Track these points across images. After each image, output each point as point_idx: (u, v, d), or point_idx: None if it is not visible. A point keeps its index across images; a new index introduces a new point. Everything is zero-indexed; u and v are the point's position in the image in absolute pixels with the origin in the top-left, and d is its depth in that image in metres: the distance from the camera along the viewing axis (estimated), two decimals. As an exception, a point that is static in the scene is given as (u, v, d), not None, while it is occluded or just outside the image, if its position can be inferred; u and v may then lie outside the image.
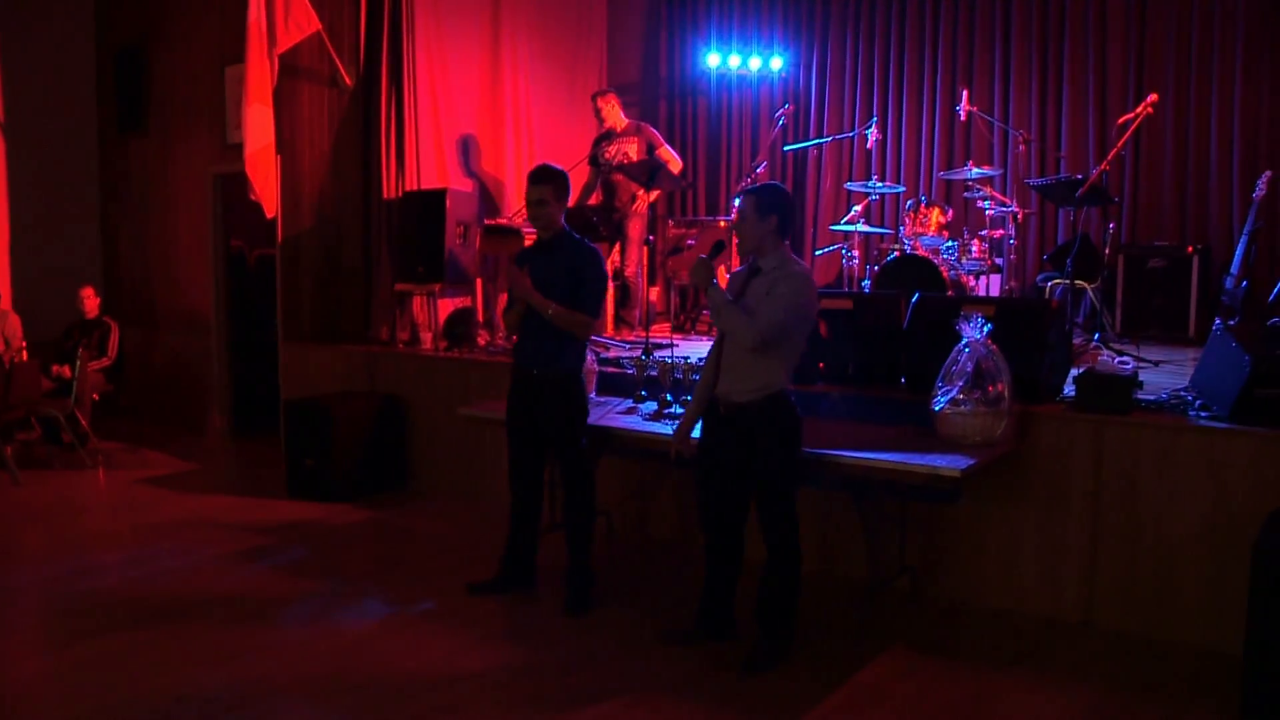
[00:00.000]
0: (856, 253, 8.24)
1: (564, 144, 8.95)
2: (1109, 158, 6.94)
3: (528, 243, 6.58)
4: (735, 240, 4.58)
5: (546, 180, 5.00)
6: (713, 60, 9.93)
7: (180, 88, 9.68)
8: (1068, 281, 6.65)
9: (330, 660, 4.49)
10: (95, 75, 10.66)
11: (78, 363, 8.25)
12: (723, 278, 5.12)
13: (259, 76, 7.76)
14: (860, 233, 8.10)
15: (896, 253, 7.63)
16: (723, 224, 8.43)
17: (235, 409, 9.44)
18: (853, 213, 8.25)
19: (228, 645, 4.67)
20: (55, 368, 8.52)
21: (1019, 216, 7.98)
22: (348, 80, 8.14)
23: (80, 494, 7.64)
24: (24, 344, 8.78)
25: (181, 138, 9.70)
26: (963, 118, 8.25)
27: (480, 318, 7.82)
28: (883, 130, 9.12)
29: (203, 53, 9.29)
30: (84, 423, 8.36)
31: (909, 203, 8.14)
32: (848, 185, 8.78)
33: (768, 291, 4.19)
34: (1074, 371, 5.32)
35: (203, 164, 9.37)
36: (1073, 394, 5.07)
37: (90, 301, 8.93)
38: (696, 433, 4.55)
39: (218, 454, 8.94)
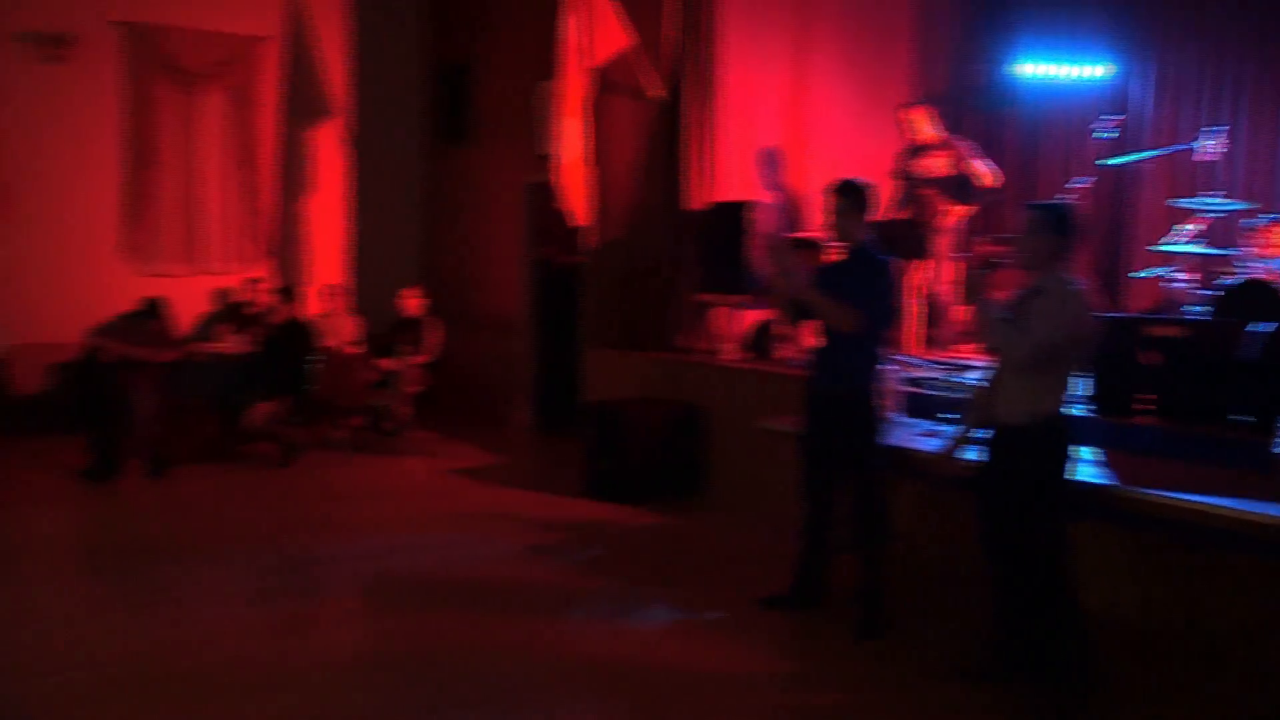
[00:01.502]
0: (1186, 275, 7.60)
1: (869, 157, 8.77)
2: None
3: (831, 257, 6.50)
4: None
5: (848, 193, 4.94)
6: (1026, 69, 9.47)
7: (498, 102, 10.29)
8: None
9: (617, 658, 4.60)
10: (424, 92, 11.48)
11: (400, 358, 8.87)
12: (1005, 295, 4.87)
13: (572, 91, 8.08)
14: (1192, 254, 7.46)
15: (1236, 276, 6.94)
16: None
17: (538, 408, 9.88)
18: (1184, 231, 7.62)
19: (519, 633, 4.87)
20: (380, 361, 9.18)
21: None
22: (656, 93, 8.33)
23: (397, 479, 8.22)
24: (358, 341, 9.52)
25: (498, 149, 10.28)
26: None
27: (781, 330, 7.80)
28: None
29: (520, 69, 9.80)
30: (403, 414, 8.98)
31: (1258, 219, 7.33)
32: (1179, 202, 8.11)
33: (1044, 311, 3.99)
34: None
35: (516, 174, 9.89)
36: None
37: (413, 301, 9.55)
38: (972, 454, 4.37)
39: (521, 450, 9.37)
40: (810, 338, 5.10)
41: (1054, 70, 9.38)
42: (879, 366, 4.94)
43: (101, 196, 10.21)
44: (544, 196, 8.89)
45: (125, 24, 10.18)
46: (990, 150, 9.94)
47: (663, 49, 8.27)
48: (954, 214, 7.60)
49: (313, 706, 4.12)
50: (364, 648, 4.89)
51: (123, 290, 9.37)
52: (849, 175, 5.18)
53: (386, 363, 9.08)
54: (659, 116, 8.39)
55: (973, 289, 4.17)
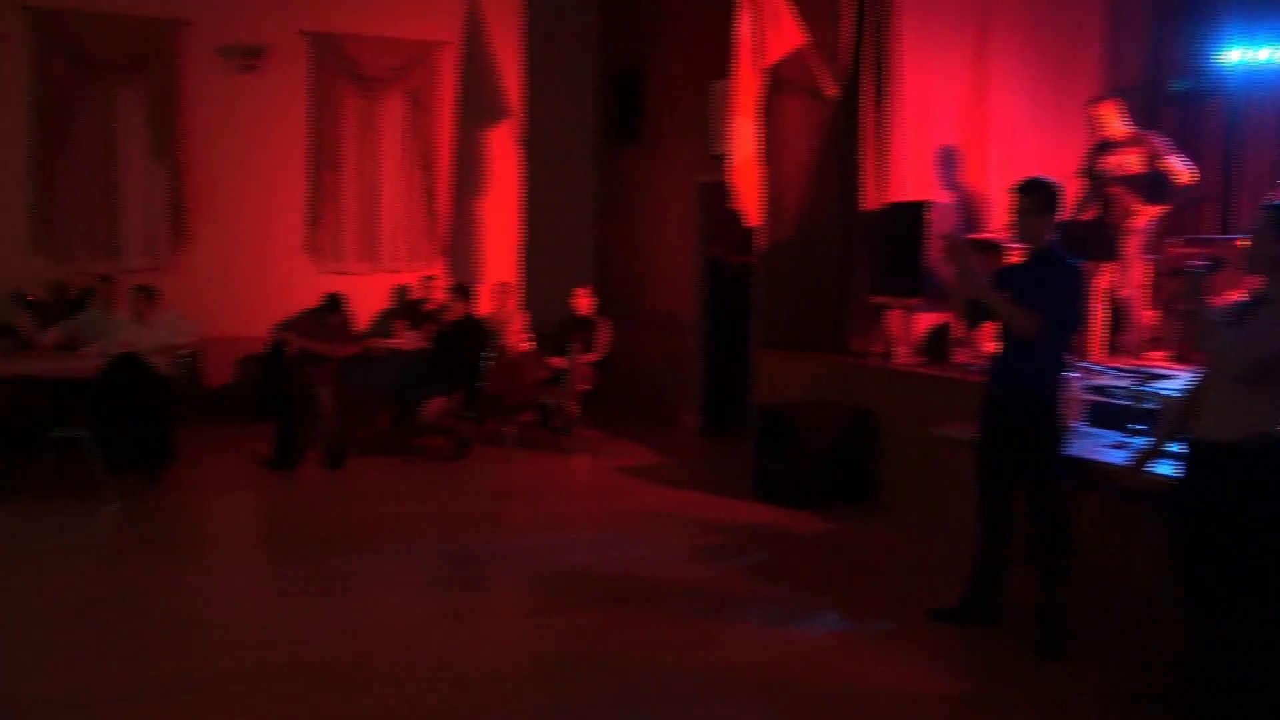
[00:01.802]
0: None
1: (1053, 155, 8.41)
2: None
3: (1013, 259, 6.25)
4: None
5: (1032, 192, 4.74)
6: (1232, 55, 8.87)
7: (670, 102, 10.32)
8: None
9: (782, 665, 4.53)
10: (596, 93, 11.60)
11: (570, 356, 8.97)
12: (1224, 297, 4.53)
13: (745, 90, 8.00)
14: None
15: None
16: (1238, 244, 7.53)
17: (706, 408, 9.85)
18: None
19: (685, 635, 4.84)
20: (551, 359, 9.31)
21: None
22: (830, 91, 8.18)
23: (564, 476, 8.34)
24: (529, 338, 9.68)
25: (669, 149, 10.31)
26: None
27: (959, 334, 7.56)
28: None
29: (692, 69, 9.80)
30: (573, 411, 9.09)
31: None
32: None
33: (1275, 320, 3.67)
34: None
35: (687, 174, 9.89)
36: None
37: (584, 300, 9.65)
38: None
39: (687, 450, 9.36)
40: (989, 342, 4.92)
41: (1264, 55, 8.72)
42: (1061, 373, 4.72)
43: (288, 198, 10.69)
44: (715, 196, 8.85)
45: (313, 33, 10.63)
46: (1187, 146, 9.39)
47: (840, 47, 8.12)
48: (1145, 214, 7.21)
49: (475, 700, 4.17)
50: (529, 644, 4.95)
51: (306, 287, 9.78)
52: (1031, 174, 4.97)
53: (557, 361, 9.19)
54: (833, 115, 8.24)
55: (1191, 290, 3.87)
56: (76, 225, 10.04)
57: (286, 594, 5.48)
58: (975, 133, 8.40)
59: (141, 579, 5.59)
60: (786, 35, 8.02)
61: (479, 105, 11.28)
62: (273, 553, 6.48)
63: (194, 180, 10.35)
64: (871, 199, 7.93)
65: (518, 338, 9.65)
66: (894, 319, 7.86)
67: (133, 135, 10.21)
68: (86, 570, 5.85)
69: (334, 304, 8.90)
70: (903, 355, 7.63)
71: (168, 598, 5.31)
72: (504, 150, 11.41)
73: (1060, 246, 4.79)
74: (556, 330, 9.77)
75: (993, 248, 7.28)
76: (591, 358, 9.33)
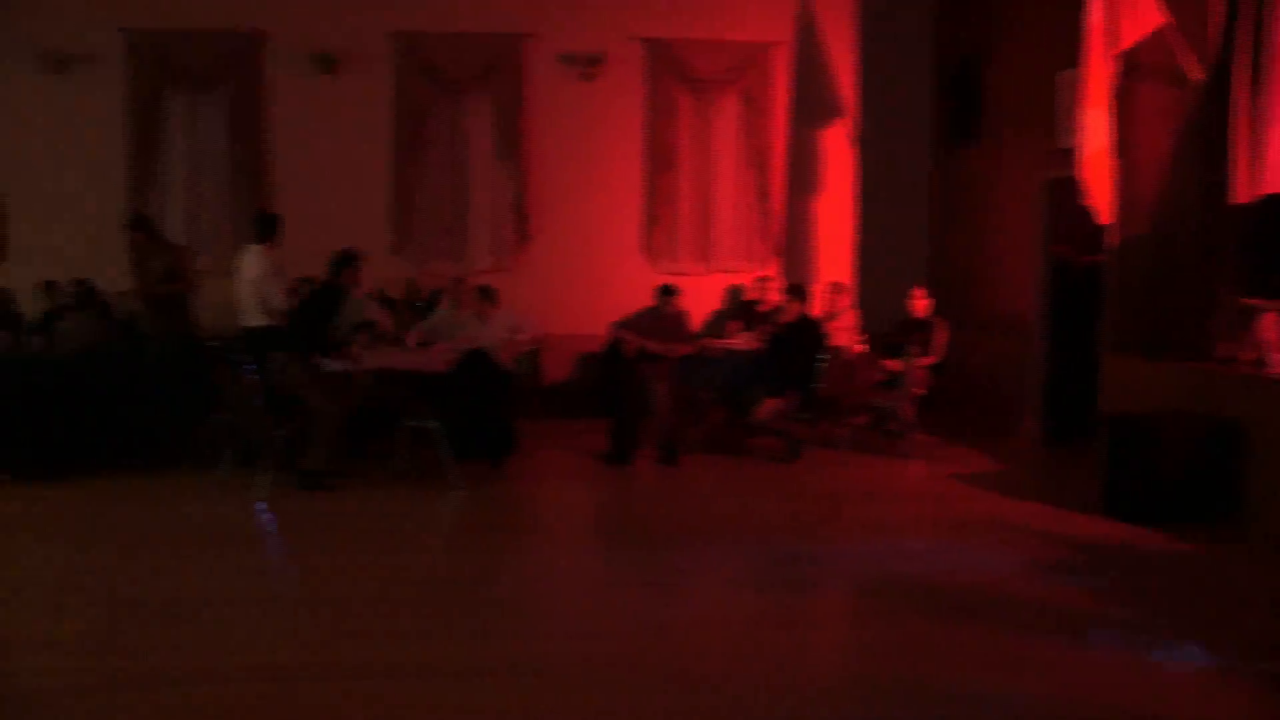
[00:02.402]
0: None
1: None
2: None
3: None
4: None
5: None
6: None
7: (1012, 96, 9.87)
8: None
9: (1141, 701, 4.20)
10: (932, 89, 11.30)
11: (906, 359, 8.78)
12: None
13: (1096, 79, 7.52)
14: None
15: None
16: None
17: (1048, 416, 9.36)
18: None
19: (1025, 656, 4.62)
20: (885, 362, 9.15)
21: None
22: (1196, 75, 7.56)
23: (897, 481, 8.19)
24: (862, 340, 9.57)
25: (1010, 145, 9.86)
26: None
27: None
28: None
29: (1035, 60, 9.32)
30: (907, 415, 8.90)
31: None
32: None
33: None
34: None
35: (1031, 170, 9.42)
36: None
37: (920, 302, 9.41)
38: None
39: (1027, 459, 8.95)
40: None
41: None
42: None
43: (625, 200, 11.15)
44: (1060, 193, 8.39)
45: (647, 39, 11.02)
46: None
47: (1209, 26, 7.48)
48: None
49: (798, 713, 4.12)
50: (855, 654, 4.88)
51: (642, 287, 10.12)
52: None
53: (892, 363, 9.04)
54: (1197, 101, 7.60)
55: None
56: (430, 230, 11.00)
57: (617, 586, 5.72)
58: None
59: (481, 563, 6.02)
60: (1144, 17, 7.48)
61: (812, 104, 11.27)
62: (605, 545, 6.77)
63: (535, 184, 11.01)
64: (1243, 191, 7.24)
65: (851, 339, 9.55)
66: (1268, 323, 7.14)
67: (480, 144, 11.00)
68: (432, 551, 6.38)
69: (668, 288, 9.14)
70: (1277, 364, 6.93)
71: (505, 582, 5.70)
72: (837, 149, 11.33)
73: None
74: (891, 332, 9.58)
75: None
76: (928, 361, 9.10)
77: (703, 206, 11.29)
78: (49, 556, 6.01)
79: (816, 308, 9.74)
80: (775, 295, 9.96)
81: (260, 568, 5.99)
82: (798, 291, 8.95)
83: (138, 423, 7.97)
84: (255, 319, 8.21)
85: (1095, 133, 7.54)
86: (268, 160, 10.85)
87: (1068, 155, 7.78)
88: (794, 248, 11.31)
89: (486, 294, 8.80)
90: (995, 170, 10.12)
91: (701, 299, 10.80)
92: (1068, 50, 7.86)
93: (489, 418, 7.90)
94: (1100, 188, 7.56)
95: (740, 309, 10.57)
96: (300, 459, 7.42)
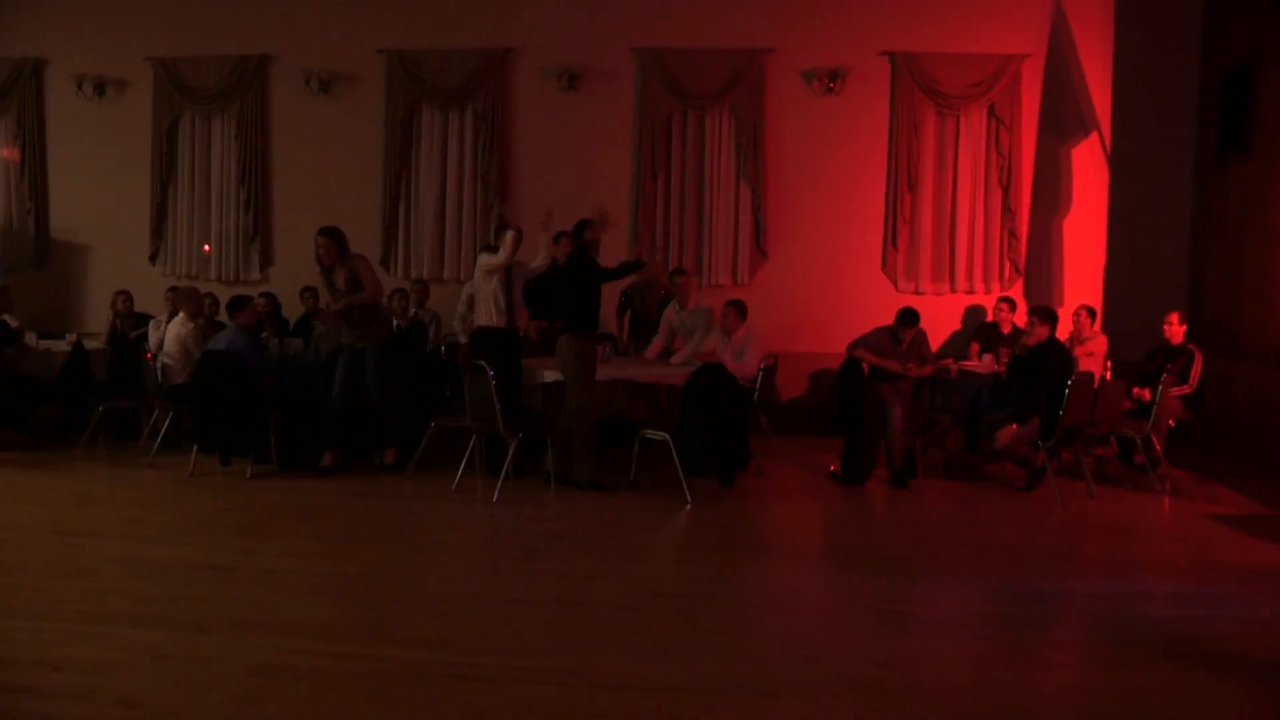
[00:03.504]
0: None
1: None
2: None
3: None
4: None
5: None
6: None
7: (1289, 108, 9.17)
8: None
9: None
10: (1195, 101, 10.65)
11: (1159, 387, 8.32)
12: None
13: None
14: None
15: None
16: None
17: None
18: None
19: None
20: (1136, 390, 8.70)
21: None
22: None
23: (1144, 517, 7.73)
24: (1110, 366, 9.14)
25: (1286, 158, 9.17)
26: None
27: None
28: None
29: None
30: (1158, 447, 8.43)
31: None
32: None
33: None
34: None
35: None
36: None
37: (1176, 327, 8.91)
38: None
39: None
40: None
41: None
42: None
43: (865, 217, 11.04)
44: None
45: (892, 53, 10.86)
46: None
47: None
48: None
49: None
50: (1089, 701, 4.59)
51: (881, 306, 10.01)
52: None
53: (1143, 391, 8.58)
54: None
55: None
56: (670, 241, 11.23)
57: (846, 609, 5.64)
58: None
59: (707, 578, 6.02)
60: None
61: (1063, 118, 10.86)
62: (834, 567, 6.65)
63: (774, 200, 11.03)
64: None
65: (1099, 365, 9.13)
66: None
67: (719, 159, 11.12)
68: (657, 563, 6.47)
69: (909, 318, 8.98)
70: None
71: (729, 599, 5.67)
72: (1088, 165, 10.88)
73: None
74: (1143, 359, 9.12)
75: None
76: (1183, 390, 8.60)
77: (945, 224, 11.06)
78: (317, 543, 6.53)
79: (1063, 331, 9.36)
80: (1018, 318, 9.64)
81: (493, 567, 6.24)
82: (1046, 314, 8.59)
83: (391, 422, 8.47)
84: (489, 320, 8.57)
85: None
86: (508, 171, 11.34)
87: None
88: (1038, 269, 10.92)
89: (740, 310, 8.86)
90: (1269, 184, 9.43)
91: (940, 319, 10.59)
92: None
93: (722, 432, 7.95)
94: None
95: (981, 331, 10.30)
96: (559, 467, 7.90)
